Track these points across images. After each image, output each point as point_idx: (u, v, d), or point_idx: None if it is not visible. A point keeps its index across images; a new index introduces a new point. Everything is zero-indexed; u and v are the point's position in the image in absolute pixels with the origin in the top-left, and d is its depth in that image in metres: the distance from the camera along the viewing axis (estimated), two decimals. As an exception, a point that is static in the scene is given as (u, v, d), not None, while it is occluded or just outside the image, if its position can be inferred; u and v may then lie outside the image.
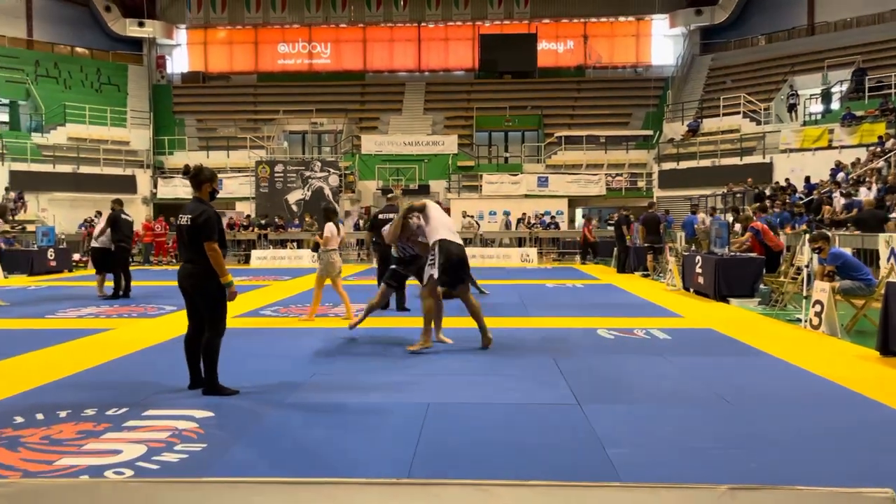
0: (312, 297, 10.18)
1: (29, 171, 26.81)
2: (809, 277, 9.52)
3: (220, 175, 26.75)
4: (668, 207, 24.29)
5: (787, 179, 21.79)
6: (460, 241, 7.60)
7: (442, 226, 7.46)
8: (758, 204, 17.33)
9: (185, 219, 5.64)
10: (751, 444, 4.37)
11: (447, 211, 27.71)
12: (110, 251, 12.90)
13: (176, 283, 5.91)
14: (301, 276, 18.04)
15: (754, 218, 13.19)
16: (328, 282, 10.00)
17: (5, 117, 30.61)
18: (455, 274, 7.33)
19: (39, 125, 29.95)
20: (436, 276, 7.21)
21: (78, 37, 36.05)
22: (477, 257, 23.11)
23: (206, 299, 5.70)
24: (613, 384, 6.00)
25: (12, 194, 24.74)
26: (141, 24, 36.17)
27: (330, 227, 9.87)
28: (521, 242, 25.14)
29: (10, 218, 13.16)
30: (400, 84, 37.04)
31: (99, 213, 24.43)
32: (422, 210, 7.56)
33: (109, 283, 13.05)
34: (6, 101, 30.55)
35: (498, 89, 35.69)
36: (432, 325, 7.56)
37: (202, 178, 5.80)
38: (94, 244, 13.25)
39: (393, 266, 8.67)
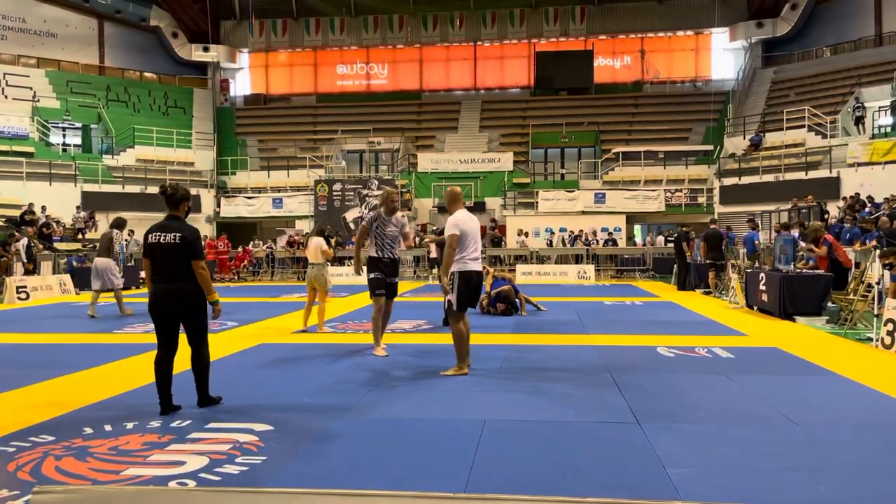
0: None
1: (100, 191, 27.93)
2: (881, 295, 9.15)
3: (280, 194, 27.39)
4: (729, 224, 23.74)
5: (856, 194, 21.08)
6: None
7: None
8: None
9: (171, 237, 5.49)
10: (820, 467, 4.21)
11: (500, 229, 27.81)
12: None
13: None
14: (359, 292, 18.23)
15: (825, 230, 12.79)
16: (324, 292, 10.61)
17: (78, 140, 31.99)
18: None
19: (110, 147, 31.21)
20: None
21: (146, 62, 37.53)
22: (533, 274, 23.02)
23: (198, 316, 5.66)
24: (674, 403, 5.86)
25: (83, 214, 25.78)
26: (206, 49, 37.41)
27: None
28: (578, 259, 24.91)
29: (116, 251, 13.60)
30: (456, 102, 37.32)
31: (132, 232, 25.15)
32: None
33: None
34: (79, 124, 31.93)
35: (554, 106, 35.60)
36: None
37: (179, 197, 5.73)
38: None
39: (374, 275, 8.14)
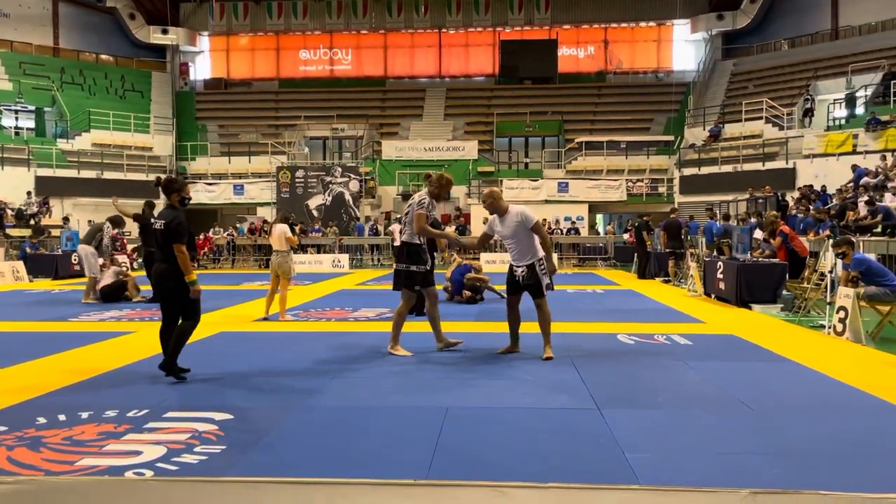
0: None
1: (54, 176, 27.25)
2: (833, 283, 9.38)
3: (241, 181, 26.98)
4: (691, 213, 24.12)
5: (809, 185, 21.56)
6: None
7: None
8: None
9: (159, 223, 6.32)
10: (773, 451, 4.30)
11: (465, 217, 27.85)
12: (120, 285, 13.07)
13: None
14: (321, 280, 18.12)
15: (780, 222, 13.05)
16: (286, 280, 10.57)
17: (31, 124, 31.13)
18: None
19: (64, 131, 30.44)
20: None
21: (103, 44, 36.62)
22: (497, 262, 23.10)
23: (184, 293, 6.30)
24: (633, 389, 5.94)
25: (37, 199, 25.12)
26: (164, 32, 36.64)
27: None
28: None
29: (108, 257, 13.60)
30: (420, 90, 37.17)
31: (91, 222, 24.61)
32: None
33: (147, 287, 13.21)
34: (32, 107, 31.08)
35: (518, 95, 35.69)
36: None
37: (172, 188, 6.56)
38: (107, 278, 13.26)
39: (416, 267, 7.46)
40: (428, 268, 7.62)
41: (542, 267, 7.33)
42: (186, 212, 6.65)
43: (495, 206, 7.49)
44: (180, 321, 6.40)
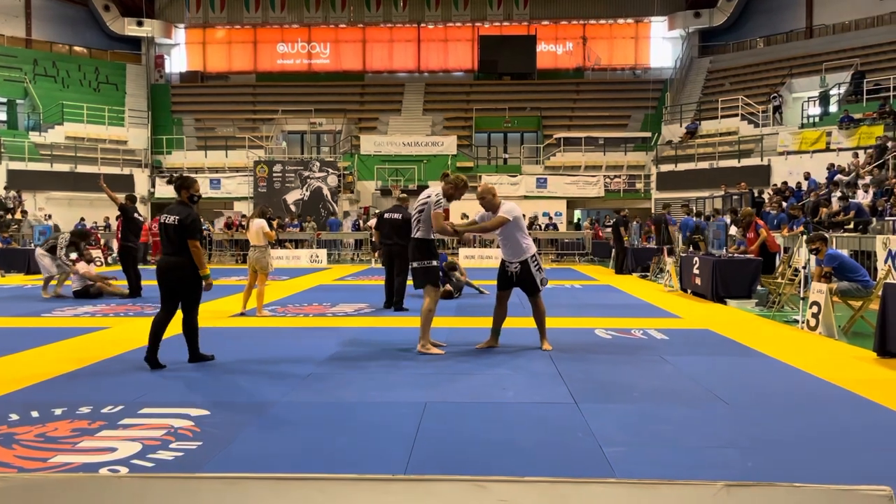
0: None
1: (26, 169, 26.84)
2: (807, 279, 9.51)
3: (218, 175, 26.74)
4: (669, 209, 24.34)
5: (784, 182, 21.83)
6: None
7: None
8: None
9: (172, 219, 6.53)
10: (748, 444, 4.36)
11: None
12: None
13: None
14: (299, 275, 18.03)
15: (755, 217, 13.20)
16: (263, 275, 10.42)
17: (3, 116, 30.63)
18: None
19: (37, 124, 29.96)
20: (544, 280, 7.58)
21: (76, 36, 36.07)
22: (476, 258, 23.16)
23: (189, 287, 6.57)
24: (610, 383, 5.98)
25: (13, 193, 24.73)
26: (139, 24, 36.18)
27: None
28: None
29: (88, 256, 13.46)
30: (399, 84, 37.06)
31: (49, 216, 24.23)
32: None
33: (123, 282, 13.06)
34: (4, 99, 30.57)
35: (497, 90, 35.73)
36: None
37: (182, 186, 6.83)
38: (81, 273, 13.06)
39: (436, 263, 7.45)
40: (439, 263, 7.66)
41: (536, 264, 7.46)
42: (162, 205, 6.69)
43: (491, 202, 7.46)
44: (183, 315, 6.67)
